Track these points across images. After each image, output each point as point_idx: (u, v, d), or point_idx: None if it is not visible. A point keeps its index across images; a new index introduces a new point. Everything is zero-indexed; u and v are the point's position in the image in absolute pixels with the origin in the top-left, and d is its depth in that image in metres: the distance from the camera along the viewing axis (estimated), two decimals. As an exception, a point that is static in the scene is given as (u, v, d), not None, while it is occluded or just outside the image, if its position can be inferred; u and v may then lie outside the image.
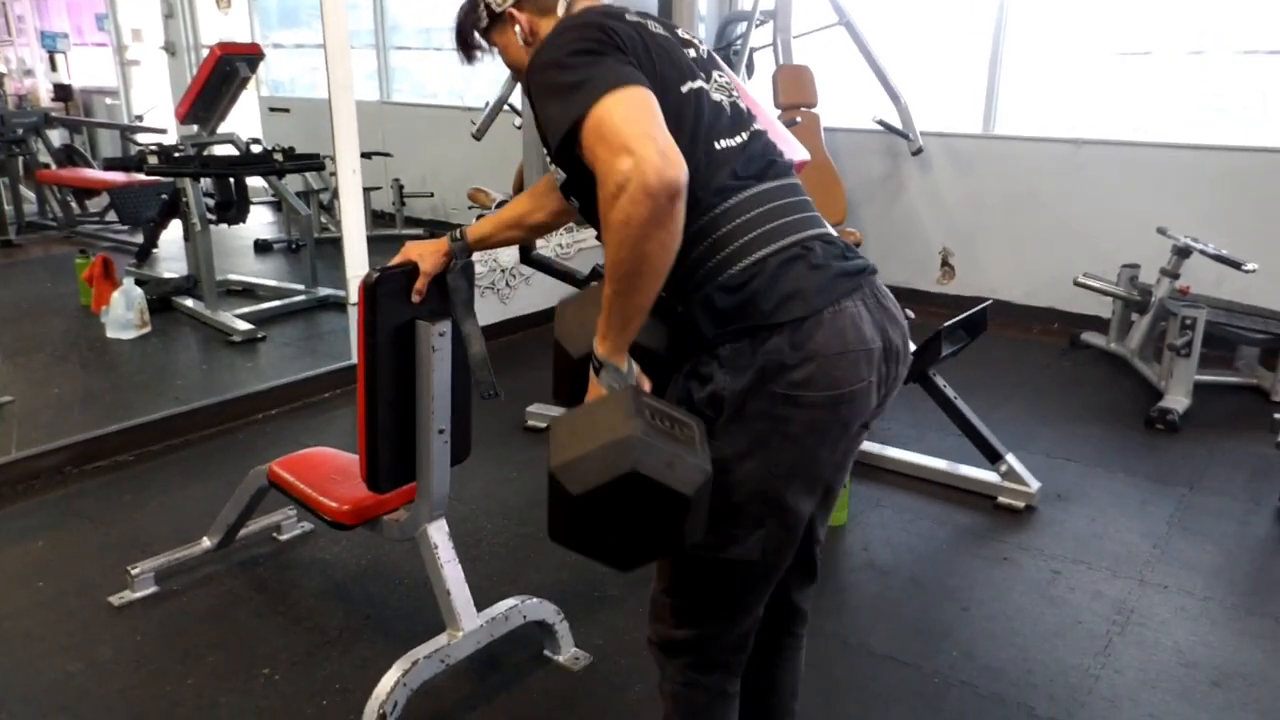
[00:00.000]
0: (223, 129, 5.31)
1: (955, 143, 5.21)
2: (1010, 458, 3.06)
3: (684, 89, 1.32)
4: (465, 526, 2.82)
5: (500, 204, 5.13)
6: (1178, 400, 3.72)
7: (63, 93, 8.59)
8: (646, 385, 1.32)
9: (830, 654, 2.28)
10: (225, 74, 5.00)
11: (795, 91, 5.22)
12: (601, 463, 1.16)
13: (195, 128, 5.24)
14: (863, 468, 3.21)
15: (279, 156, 4.88)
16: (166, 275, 5.30)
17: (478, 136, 5.43)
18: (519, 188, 5.38)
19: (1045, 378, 4.30)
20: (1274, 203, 4.35)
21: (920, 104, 5.14)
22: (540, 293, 4.69)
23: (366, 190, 4.97)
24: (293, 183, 5.97)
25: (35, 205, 7.03)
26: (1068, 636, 2.38)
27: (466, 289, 1.89)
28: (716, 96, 1.37)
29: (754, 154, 1.36)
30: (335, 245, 4.34)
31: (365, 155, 3.95)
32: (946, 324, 3.02)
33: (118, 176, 6.14)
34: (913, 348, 2.10)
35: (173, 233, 5.47)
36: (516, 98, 5.25)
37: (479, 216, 3.74)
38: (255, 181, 5.51)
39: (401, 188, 6.72)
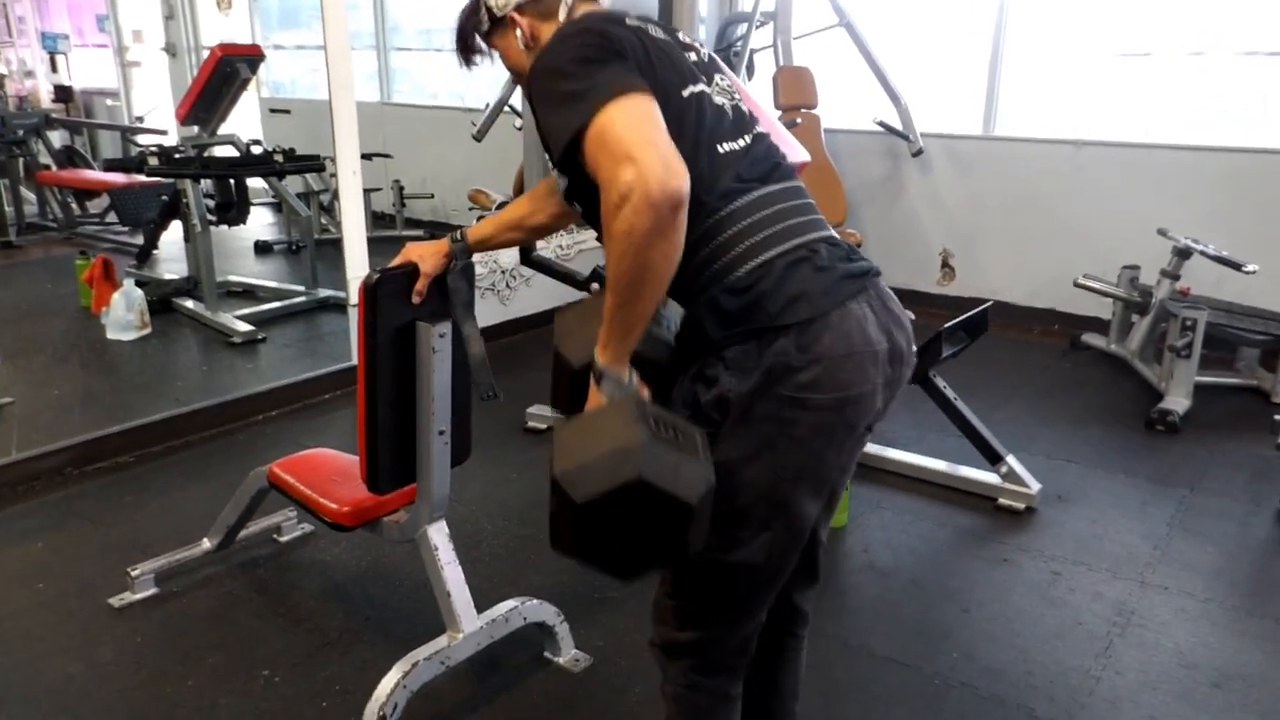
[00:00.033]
0: (223, 130, 5.31)
1: (955, 144, 5.22)
2: (1011, 459, 3.06)
3: (685, 93, 1.32)
4: (465, 528, 2.82)
5: (500, 205, 5.14)
6: (1178, 401, 3.72)
7: (63, 94, 8.60)
8: (646, 394, 1.32)
9: (831, 655, 2.27)
10: (226, 75, 5.01)
11: (795, 93, 5.22)
12: (606, 470, 1.15)
13: (196, 129, 5.24)
14: (863, 469, 3.21)
15: (279, 158, 4.88)
16: (167, 276, 5.30)
17: (478, 138, 5.43)
18: (519, 189, 5.38)
19: (1046, 379, 4.30)
20: (1274, 204, 4.35)
21: (920, 105, 5.14)
22: (540, 294, 4.69)
23: (367, 191, 4.98)
24: (293, 184, 5.98)
25: (36, 206, 7.04)
26: (1068, 638, 2.38)
27: (467, 290, 1.89)
28: (718, 100, 1.37)
29: (757, 157, 1.36)
30: (335, 246, 4.34)
31: (366, 156, 3.96)
32: (947, 325, 3.02)
33: (118, 178, 6.14)
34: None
35: (173, 234, 5.47)
36: (517, 99, 5.25)
37: (479, 218, 3.75)
38: (256, 183, 5.52)
39: (402, 189, 6.73)
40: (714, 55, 1.49)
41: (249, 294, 5.23)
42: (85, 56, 9.10)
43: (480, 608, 2.13)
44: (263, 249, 6.39)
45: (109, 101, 8.89)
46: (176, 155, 4.77)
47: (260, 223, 6.88)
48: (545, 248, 4.50)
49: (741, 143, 1.35)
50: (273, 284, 5.38)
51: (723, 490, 1.25)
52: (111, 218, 6.59)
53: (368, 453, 1.94)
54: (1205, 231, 4.12)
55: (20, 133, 6.71)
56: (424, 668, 1.99)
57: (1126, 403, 3.95)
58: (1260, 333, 3.94)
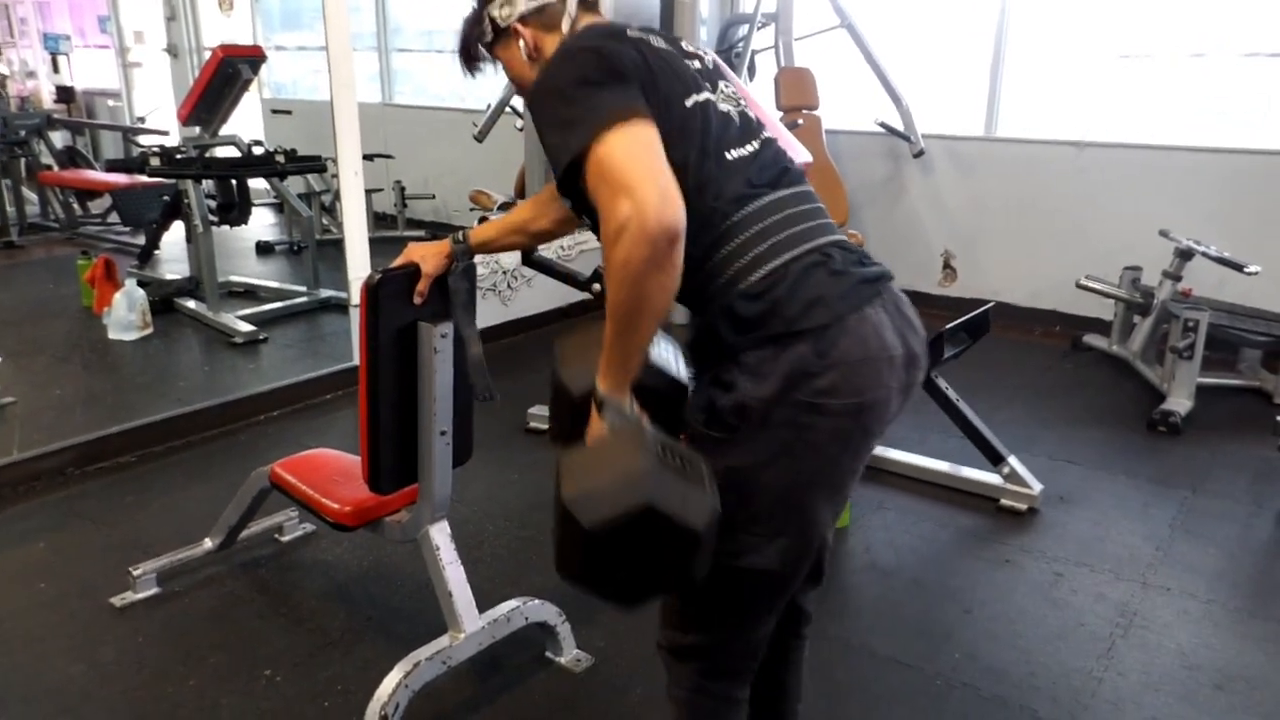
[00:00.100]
0: (225, 131, 5.32)
1: (957, 145, 5.21)
2: (1012, 460, 3.06)
3: (689, 103, 1.31)
4: (467, 528, 2.82)
5: (502, 206, 5.15)
6: (1180, 403, 3.71)
7: (65, 94, 8.62)
8: (647, 422, 1.32)
9: (833, 656, 2.27)
10: (227, 76, 5.02)
11: (797, 94, 5.22)
12: (614, 496, 1.15)
13: (197, 129, 5.25)
14: (865, 470, 3.17)
15: (281, 158, 4.88)
16: (168, 277, 5.31)
17: (479, 139, 5.43)
18: (520, 190, 5.38)
19: (1047, 380, 4.30)
20: (1276, 205, 4.35)
21: (922, 106, 5.14)
22: (542, 295, 4.69)
23: (368, 192, 5.00)
24: (295, 184, 5.98)
25: (37, 207, 7.05)
26: (1070, 639, 2.37)
27: (468, 291, 1.89)
28: (724, 107, 1.37)
29: (766, 162, 1.36)
30: (337, 247, 4.35)
31: (367, 157, 3.97)
32: (949, 326, 3.02)
33: (120, 178, 6.14)
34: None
35: (175, 234, 5.48)
36: (518, 100, 5.25)
37: (481, 218, 3.75)
38: (257, 183, 5.53)
39: (403, 190, 6.73)
40: (719, 61, 1.48)
41: (250, 294, 5.23)
42: (87, 57, 9.12)
43: (482, 608, 2.13)
44: (264, 249, 6.40)
45: (111, 102, 8.91)
46: (178, 156, 4.78)
47: (262, 223, 6.88)
48: (546, 248, 4.49)
49: (750, 148, 1.35)
50: (274, 284, 5.38)
51: (738, 495, 1.25)
52: (113, 218, 6.60)
53: (369, 453, 1.94)
54: (1207, 233, 4.12)
55: (22, 133, 6.72)
56: (426, 667, 1.99)
57: (1128, 404, 3.95)
58: (1262, 334, 3.94)
